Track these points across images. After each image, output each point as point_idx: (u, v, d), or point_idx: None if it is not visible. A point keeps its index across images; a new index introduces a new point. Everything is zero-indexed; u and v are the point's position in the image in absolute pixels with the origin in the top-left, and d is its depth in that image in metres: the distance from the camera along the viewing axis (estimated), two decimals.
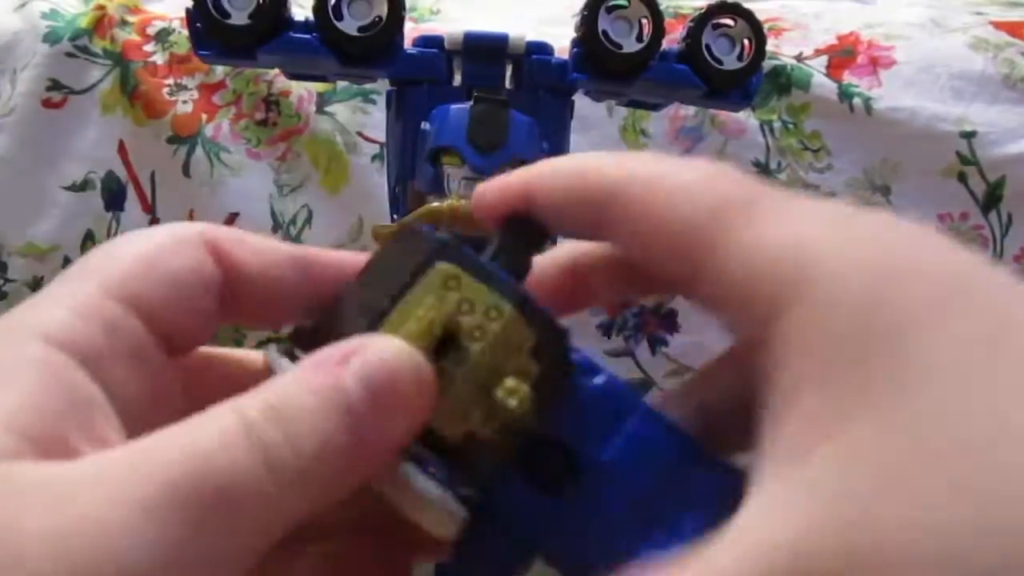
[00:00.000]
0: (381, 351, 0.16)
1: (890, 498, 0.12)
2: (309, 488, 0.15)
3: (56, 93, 0.62)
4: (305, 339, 0.19)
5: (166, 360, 0.18)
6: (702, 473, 0.17)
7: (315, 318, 0.19)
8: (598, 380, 0.18)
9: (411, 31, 0.49)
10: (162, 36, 0.65)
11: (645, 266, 0.18)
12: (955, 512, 0.12)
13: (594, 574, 0.16)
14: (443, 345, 0.17)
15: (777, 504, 0.14)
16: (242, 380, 0.17)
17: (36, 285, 0.61)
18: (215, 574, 0.14)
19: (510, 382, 0.17)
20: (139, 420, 0.16)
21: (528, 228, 0.19)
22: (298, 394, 0.15)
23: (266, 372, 0.18)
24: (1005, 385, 0.13)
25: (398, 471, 0.16)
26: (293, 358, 0.18)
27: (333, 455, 0.15)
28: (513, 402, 0.16)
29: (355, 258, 0.20)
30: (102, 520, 0.13)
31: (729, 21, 0.43)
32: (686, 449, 0.18)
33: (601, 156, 0.19)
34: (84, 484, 0.14)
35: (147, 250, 0.18)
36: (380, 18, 0.39)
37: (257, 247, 0.19)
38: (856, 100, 0.64)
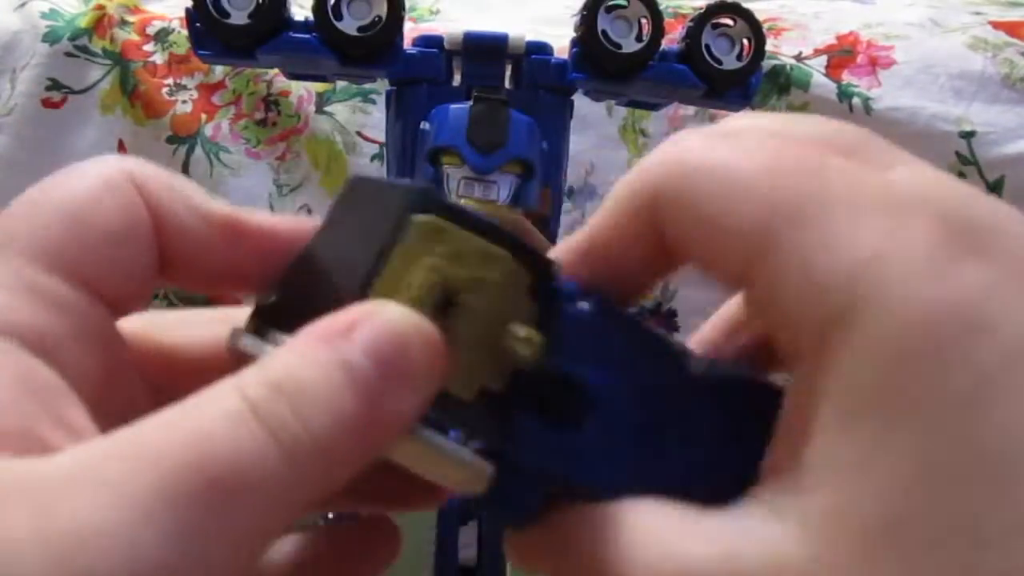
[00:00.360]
0: (387, 319, 0.15)
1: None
2: (326, 466, 0.14)
3: (56, 93, 0.62)
4: (274, 315, 0.17)
5: (116, 332, 0.17)
6: (699, 389, 0.18)
7: (271, 292, 0.18)
8: (584, 305, 0.17)
9: (411, 31, 0.49)
10: (162, 36, 0.65)
11: (699, 262, 0.17)
12: None
13: (622, 497, 0.16)
14: (442, 303, 0.16)
15: (756, 528, 0.14)
16: (197, 355, 0.16)
17: None
18: (231, 568, 0.13)
19: (520, 330, 0.16)
20: (102, 402, 0.15)
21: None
22: (303, 369, 0.14)
23: (231, 357, 0.17)
24: None
25: (417, 438, 0.16)
26: (265, 337, 0.17)
27: (348, 431, 0.14)
28: (527, 351, 0.16)
29: (291, 224, 0.18)
30: (98, 521, 0.12)
31: (728, 21, 0.43)
32: (682, 364, 0.18)
33: (660, 149, 0.17)
34: (71, 481, 0.13)
35: (74, 204, 0.16)
36: (380, 18, 0.39)
37: (187, 198, 0.17)
38: (855, 100, 0.64)
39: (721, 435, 0.17)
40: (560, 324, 0.17)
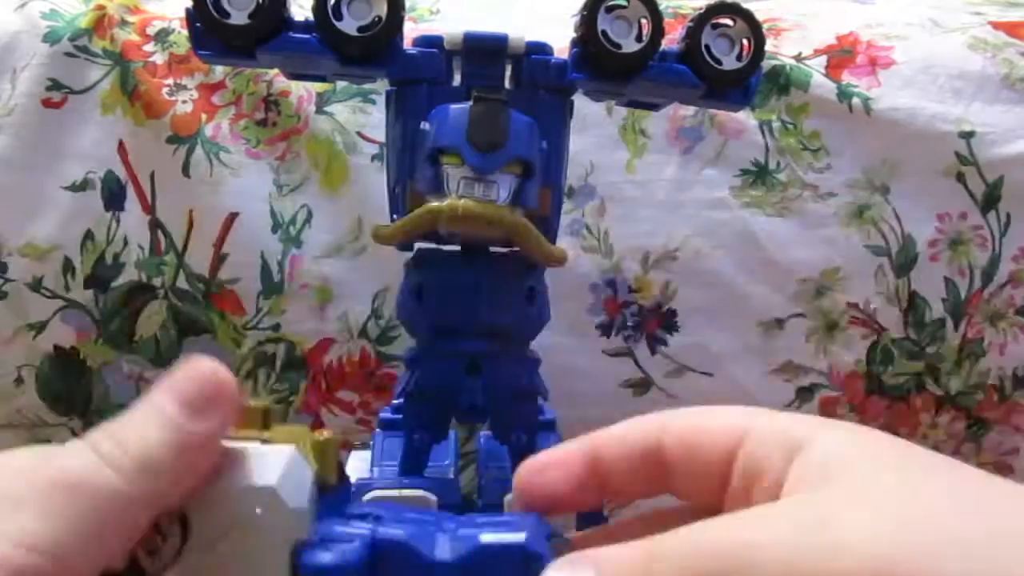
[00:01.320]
0: (187, 370, 0.23)
1: None
2: (151, 477, 0.21)
3: (56, 93, 0.63)
4: None
5: None
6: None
7: None
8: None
9: (411, 31, 0.49)
10: (162, 36, 0.65)
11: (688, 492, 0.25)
12: None
13: None
14: None
15: None
16: None
17: (36, 285, 0.61)
18: (87, 539, 0.20)
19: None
20: None
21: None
22: (128, 417, 0.22)
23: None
24: None
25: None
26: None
27: (160, 449, 0.21)
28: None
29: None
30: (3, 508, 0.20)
31: (728, 21, 0.43)
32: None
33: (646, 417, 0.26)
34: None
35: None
36: (380, 18, 0.39)
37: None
38: (855, 100, 0.65)
39: None
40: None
